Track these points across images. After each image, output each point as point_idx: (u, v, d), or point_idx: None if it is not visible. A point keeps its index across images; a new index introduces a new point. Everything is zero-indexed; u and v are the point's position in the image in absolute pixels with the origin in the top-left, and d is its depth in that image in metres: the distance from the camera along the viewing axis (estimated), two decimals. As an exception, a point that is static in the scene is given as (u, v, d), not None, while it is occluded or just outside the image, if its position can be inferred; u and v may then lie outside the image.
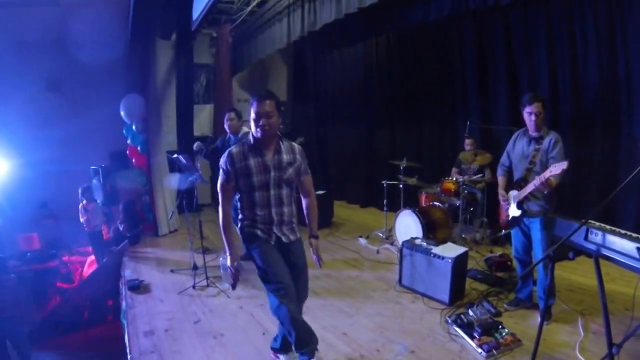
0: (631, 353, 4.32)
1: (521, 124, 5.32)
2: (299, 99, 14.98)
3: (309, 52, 14.01)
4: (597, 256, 3.16)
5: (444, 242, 6.80)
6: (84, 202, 9.36)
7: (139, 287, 6.89)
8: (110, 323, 7.11)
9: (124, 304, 6.55)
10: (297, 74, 15.08)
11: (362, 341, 5.08)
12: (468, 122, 8.61)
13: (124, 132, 10.34)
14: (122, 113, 10.02)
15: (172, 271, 7.52)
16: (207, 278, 6.84)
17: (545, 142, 5.20)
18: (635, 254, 2.76)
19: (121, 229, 9.39)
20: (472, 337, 4.96)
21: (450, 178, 8.78)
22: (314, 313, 5.78)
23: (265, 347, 4.96)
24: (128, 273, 7.57)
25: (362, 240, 9.08)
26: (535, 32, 8.12)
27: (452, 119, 9.96)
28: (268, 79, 15.03)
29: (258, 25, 11.33)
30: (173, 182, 9.88)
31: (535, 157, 5.26)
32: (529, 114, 5.22)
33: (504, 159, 5.80)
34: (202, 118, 13.25)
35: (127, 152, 10.47)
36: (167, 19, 9.94)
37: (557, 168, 4.71)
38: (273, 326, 5.40)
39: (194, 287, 6.73)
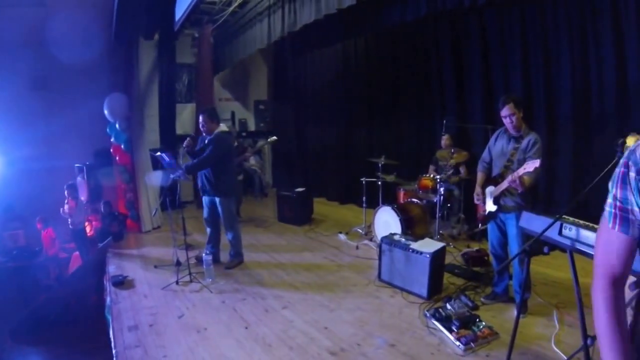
0: None
1: (496, 122, 5.36)
2: (279, 98, 15.03)
3: (289, 52, 14.02)
4: (571, 250, 3.18)
5: (422, 237, 6.77)
6: (68, 199, 9.25)
7: (123, 282, 6.87)
8: (94, 318, 7.08)
9: (108, 299, 6.51)
10: (277, 74, 15.13)
11: (342, 335, 5.09)
12: (444, 121, 8.63)
13: (108, 130, 10.27)
14: (105, 112, 9.94)
15: (155, 267, 7.49)
16: (190, 274, 6.81)
17: (525, 141, 5.25)
18: None
19: (98, 226, 9.37)
20: (450, 331, 4.99)
21: (427, 175, 8.79)
22: (295, 307, 5.82)
23: (247, 341, 4.98)
24: (112, 269, 7.53)
25: (342, 236, 9.08)
26: (510, 33, 8.17)
27: (429, 117, 9.98)
28: (249, 79, 15.08)
29: (239, 26, 11.37)
30: (154, 179, 9.87)
31: (513, 155, 5.31)
32: (504, 118, 5.27)
33: (485, 154, 5.83)
34: (185, 117, 13.19)
35: (111, 150, 10.37)
36: (150, 19, 9.86)
37: (530, 165, 4.76)
38: (255, 320, 5.44)
39: (177, 282, 6.70)
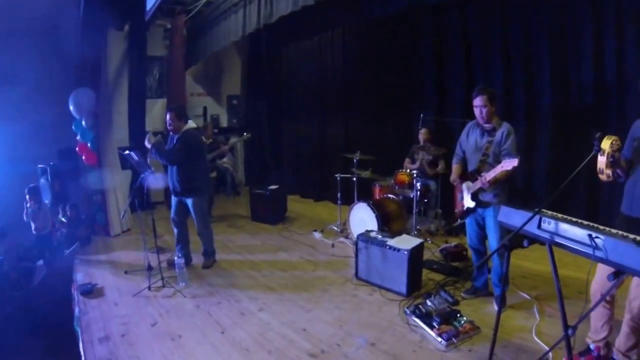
0: (586, 334, 4.46)
1: (475, 116, 5.44)
2: (254, 93, 14.92)
3: (265, 45, 13.98)
4: (550, 244, 3.24)
5: (399, 234, 6.90)
6: (31, 203, 9.11)
7: (92, 291, 6.75)
8: (62, 331, 6.99)
9: (76, 310, 6.36)
10: (251, 68, 15.00)
11: (322, 336, 5.14)
12: (422, 115, 8.77)
13: (73, 127, 10.02)
14: (71, 108, 9.72)
15: (126, 273, 7.39)
16: (162, 278, 6.74)
17: (498, 134, 5.31)
18: (587, 240, 2.85)
19: (64, 231, 9.25)
20: (431, 327, 5.07)
21: (403, 170, 8.88)
22: (271, 309, 5.85)
23: (224, 346, 5.00)
24: (80, 277, 7.38)
25: (317, 235, 9.14)
26: (491, 28, 8.31)
27: (407, 112, 10.05)
28: (222, 73, 14.95)
29: (213, 17, 11.18)
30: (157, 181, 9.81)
31: (488, 149, 5.37)
32: (475, 108, 5.35)
33: (457, 149, 5.90)
34: (155, 113, 12.95)
35: (77, 148, 10.13)
36: (121, 8, 9.71)
37: (508, 164, 4.83)
38: (231, 324, 5.46)
39: (149, 288, 6.62)
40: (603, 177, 3.85)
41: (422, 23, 9.64)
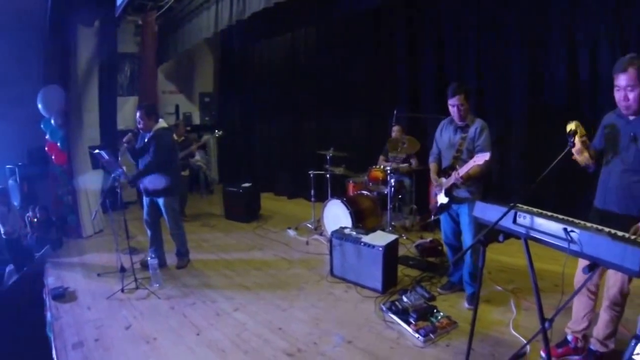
0: (562, 326, 4.54)
1: (449, 112, 5.46)
2: (226, 90, 14.91)
3: (237, 42, 13.90)
4: (526, 238, 3.26)
5: (373, 230, 6.86)
6: (-1, 206, 8.94)
7: (64, 295, 6.61)
8: (34, 338, 6.86)
9: (48, 315, 6.21)
10: (224, 65, 15.00)
11: (298, 335, 5.12)
12: (395, 111, 8.78)
13: (42, 126, 9.85)
14: (39, 106, 9.56)
15: (98, 275, 7.26)
16: (135, 280, 6.65)
17: (471, 130, 5.35)
18: (562, 234, 2.87)
19: (34, 234, 9.06)
20: (408, 323, 5.08)
21: (377, 166, 8.90)
22: (247, 309, 5.82)
23: (200, 348, 4.95)
24: (51, 281, 7.26)
25: (291, 232, 9.12)
26: (464, 23, 8.36)
27: (380, 108, 10.04)
28: (194, 70, 14.90)
29: (185, 13, 11.14)
30: (92, 181, 9.67)
31: (462, 145, 5.39)
32: (451, 107, 5.36)
33: (433, 148, 5.91)
34: (126, 111, 12.78)
35: (46, 148, 9.97)
36: (90, 4, 9.54)
37: (480, 158, 4.87)
38: (207, 325, 5.42)
39: (122, 290, 6.52)
40: (580, 158, 3.90)
41: (395, 19, 9.66)
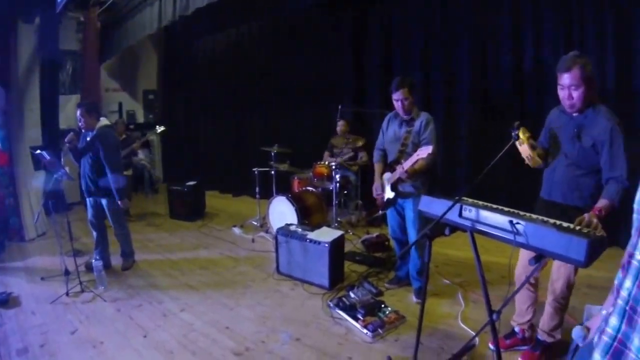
0: (511, 317, 4.59)
1: (394, 106, 5.44)
2: (170, 87, 14.61)
3: (181, 38, 13.64)
4: (472, 231, 3.26)
5: (319, 226, 6.84)
6: None
7: (7, 301, 6.28)
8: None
9: None
10: (168, 62, 14.70)
11: (246, 333, 5.03)
12: (340, 107, 8.74)
13: None
14: None
15: (42, 279, 6.93)
16: (80, 283, 6.40)
17: (417, 124, 5.33)
18: (508, 227, 2.86)
19: None
20: (356, 319, 5.05)
21: (322, 162, 8.84)
22: (194, 309, 5.69)
23: (147, 350, 4.80)
24: (-7, 286, 7.00)
25: (237, 230, 9.00)
26: (410, 17, 8.42)
27: (325, 103, 10.01)
28: (138, 67, 14.51)
29: (128, 9, 10.78)
30: (36, 183, 9.39)
31: (407, 139, 5.37)
32: (395, 101, 5.34)
33: (379, 141, 5.88)
34: (69, 110, 12.21)
35: None
36: (30, 0, 9.30)
37: (423, 152, 4.84)
38: (154, 326, 5.27)
39: (67, 294, 6.25)
40: (532, 162, 3.98)
41: (340, 13, 9.65)
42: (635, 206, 1.81)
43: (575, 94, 3.68)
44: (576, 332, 2.22)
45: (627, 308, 1.69)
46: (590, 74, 3.64)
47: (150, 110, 14.84)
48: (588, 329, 2.18)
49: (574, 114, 3.86)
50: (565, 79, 3.68)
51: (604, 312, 2.02)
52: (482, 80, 7.74)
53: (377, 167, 5.89)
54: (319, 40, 10.21)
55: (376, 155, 5.93)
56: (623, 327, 1.71)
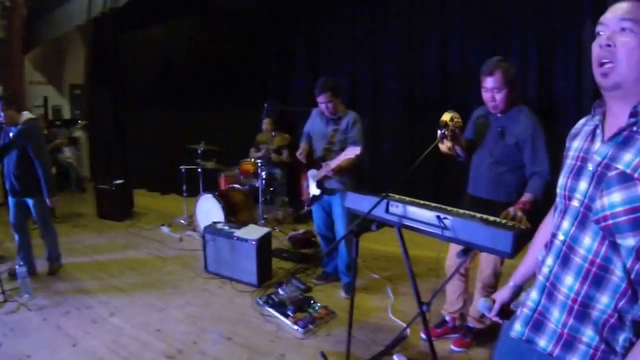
0: (440, 307, 4.71)
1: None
2: (99, 82, 13.89)
3: (111, 31, 13.16)
4: (399, 227, 3.28)
5: (246, 224, 6.74)
6: None
7: None
8: None
9: None
10: (96, 55, 13.97)
11: (176, 335, 4.90)
12: (266, 104, 8.68)
13: None
14: None
15: None
16: (3, 292, 5.94)
17: (343, 122, 5.36)
18: (435, 221, 2.90)
19: None
20: (286, 316, 5.02)
21: (248, 159, 8.80)
22: (123, 313, 5.47)
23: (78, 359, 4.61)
24: None
25: (165, 229, 8.83)
26: (339, 17, 8.44)
27: (252, 101, 9.90)
28: (65, 60, 13.88)
29: None
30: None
31: (333, 137, 5.40)
32: (320, 103, 5.36)
33: (303, 138, 5.87)
34: None
35: None
36: None
37: (350, 152, 4.90)
38: (83, 334, 5.02)
39: None
40: (443, 147, 4.12)
41: (267, 11, 9.59)
42: (558, 190, 1.96)
43: (498, 96, 3.85)
44: (482, 304, 2.36)
45: (548, 284, 1.90)
46: (513, 77, 3.83)
47: (77, 106, 14.26)
48: (494, 301, 2.34)
49: (498, 114, 4.02)
50: (488, 82, 3.85)
51: (511, 283, 2.37)
52: (409, 80, 7.86)
53: (304, 146, 5.83)
54: (247, 37, 10.14)
55: (303, 139, 5.91)
56: (543, 300, 1.92)
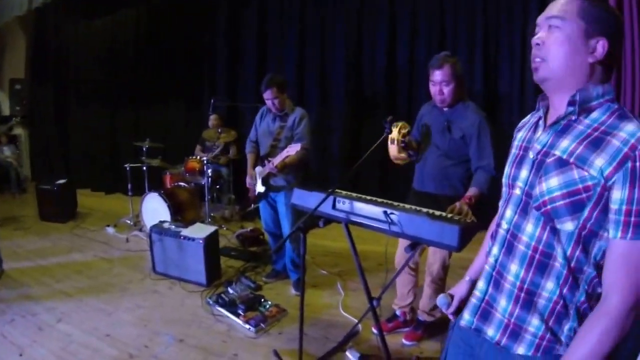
0: (390, 302, 4.81)
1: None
2: (40, 76, 13.26)
3: (53, 23, 12.57)
4: (346, 223, 3.32)
5: (193, 222, 6.68)
6: None
7: None
8: None
9: None
10: (38, 48, 13.29)
11: (127, 339, 4.79)
12: (212, 100, 8.64)
13: None
14: None
15: None
16: None
17: (290, 119, 5.38)
18: (382, 217, 2.93)
19: None
20: (237, 315, 4.99)
21: (194, 157, 8.70)
22: (71, 318, 5.30)
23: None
24: None
25: (110, 230, 8.62)
26: (287, 13, 8.43)
27: (198, 96, 9.92)
28: (4, 53, 13.29)
29: None
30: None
31: (279, 133, 5.42)
32: (266, 100, 5.36)
33: (251, 134, 5.87)
34: None
35: None
36: None
37: (292, 149, 4.95)
38: (29, 342, 4.84)
39: None
40: (399, 161, 4.23)
41: (216, 6, 9.57)
42: (503, 180, 2.03)
43: (445, 90, 3.94)
44: (440, 300, 2.38)
45: (494, 273, 1.95)
46: (460, 72, 3.94)
47: (18, 102, 13.61)
48: (452, 296, 2.38)
49: (445, 109, 4.10)
50: (437, 75, 3.93)
51: (467, 278, 2.42)
52: (357, 76, 7.95)
53: (250, 157, 5.88)
54: (194, 32, 10.04)
55: (248, 146, 5.92)
56: (490, 290, 1.97)
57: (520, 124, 2.12)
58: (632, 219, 1.55)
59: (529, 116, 2.09)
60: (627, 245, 1.57)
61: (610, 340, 1.58)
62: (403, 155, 4.15)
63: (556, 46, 1.71)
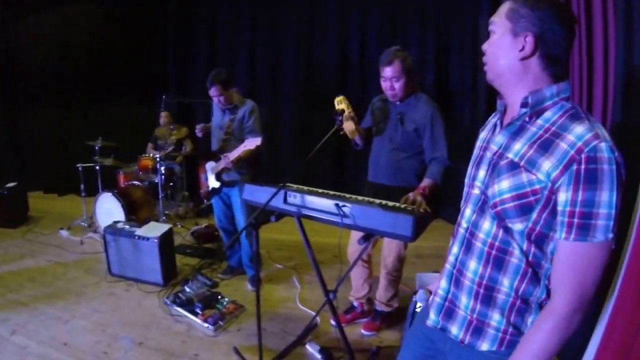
0: (347, 293, 4.85)
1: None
2: None
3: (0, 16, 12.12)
4: (298, 216, 3.35)
5: (147, 221, 6.59)
6: None
7: None
8: None
9: None
10: None
11: (85, 347, 4.66)
12: (164, 97, 8.58)
13: None
14: None
15: None
16: None
17: (240, 112, 5.36)
18: (334, 210, 2.94)
19: None
20: (195, 314, 4.95)
21: (146, 155, 8.62)
22: (26, 329, 5.12)
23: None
24: None
25: (64, 233, 8.43)
26: (237, 8, 8.39)
27: (150, 94, 9.76)
28: None
29: None
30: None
31: (230, 127, 5.38)
32: (212, 97, 5.38)
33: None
34: None
35: None
36: None
37: (251, 143, 4.92)
38: None
39: None
40: (348, 127, 4.08)
41: (166, 2, 9.49)
42: (467, 180, 2.06)
43: (397, 85, 3.97)
44: (420, 296, 2.45)
45: (454, 271, 2.00)
46: (410, 66, 3.95)
47: None
48: (430, 292, 2.36)
49: (397, 102, 4.13)
50: (387, 71, 3.95)
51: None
52: (308, 70, 7.97)
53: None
54: (143, 29, 9.90)
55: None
56: (452, 288, 2.02)
57: (484, 124, 2.15)
58: (575, 220, 1.58)
59: (491, 116, 2.12)
60: (571, 246, 1.61)
61: (556, 340, 1.63)
62: (352, 126, 4.10)
63: (492, 48, 1.80)
